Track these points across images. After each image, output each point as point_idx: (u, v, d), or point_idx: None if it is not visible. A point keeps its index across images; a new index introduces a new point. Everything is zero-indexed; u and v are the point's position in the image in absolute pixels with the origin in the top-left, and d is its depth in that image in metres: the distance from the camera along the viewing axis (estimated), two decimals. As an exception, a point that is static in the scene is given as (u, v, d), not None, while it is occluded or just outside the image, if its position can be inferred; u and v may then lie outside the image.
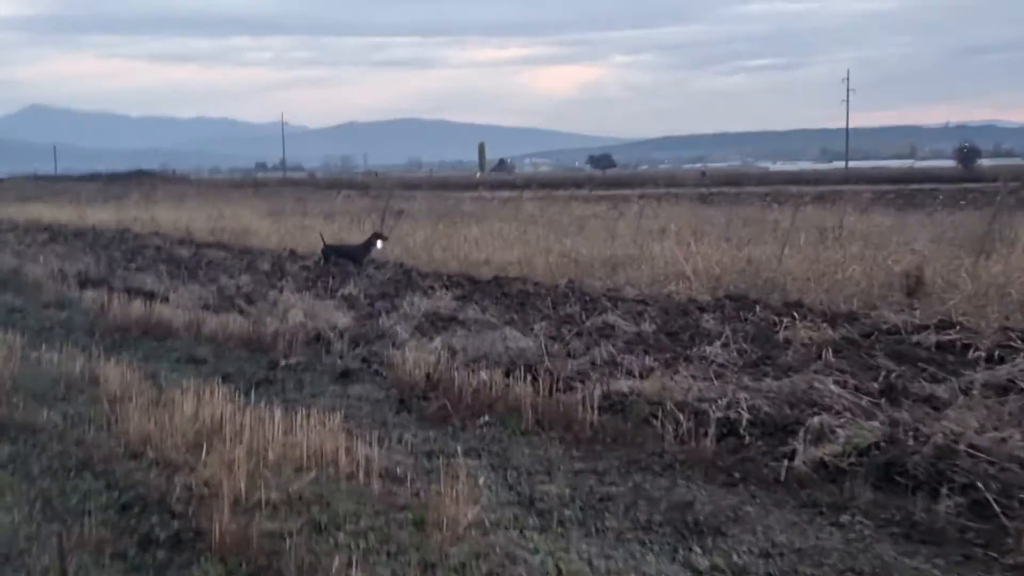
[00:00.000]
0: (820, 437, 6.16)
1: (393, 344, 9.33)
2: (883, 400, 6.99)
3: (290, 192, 52.43)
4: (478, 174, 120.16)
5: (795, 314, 11.16)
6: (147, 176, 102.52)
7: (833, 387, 7.11)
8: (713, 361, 8.35)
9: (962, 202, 26.85)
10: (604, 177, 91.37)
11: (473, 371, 7.87)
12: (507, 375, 7.73)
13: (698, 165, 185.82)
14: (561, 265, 17.28)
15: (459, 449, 6.54)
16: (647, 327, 10.51)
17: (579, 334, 9.75)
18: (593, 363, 8.31)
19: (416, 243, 20.73)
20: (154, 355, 10.01)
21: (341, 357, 9.17)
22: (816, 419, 6.34)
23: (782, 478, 5.89)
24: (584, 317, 11.11)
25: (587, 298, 13.21)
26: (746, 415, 6.57)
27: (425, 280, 15.78)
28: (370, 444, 6.21)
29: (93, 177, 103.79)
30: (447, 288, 14.59)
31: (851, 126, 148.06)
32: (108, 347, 10.40)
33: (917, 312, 11.02)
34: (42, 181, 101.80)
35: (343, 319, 10.56)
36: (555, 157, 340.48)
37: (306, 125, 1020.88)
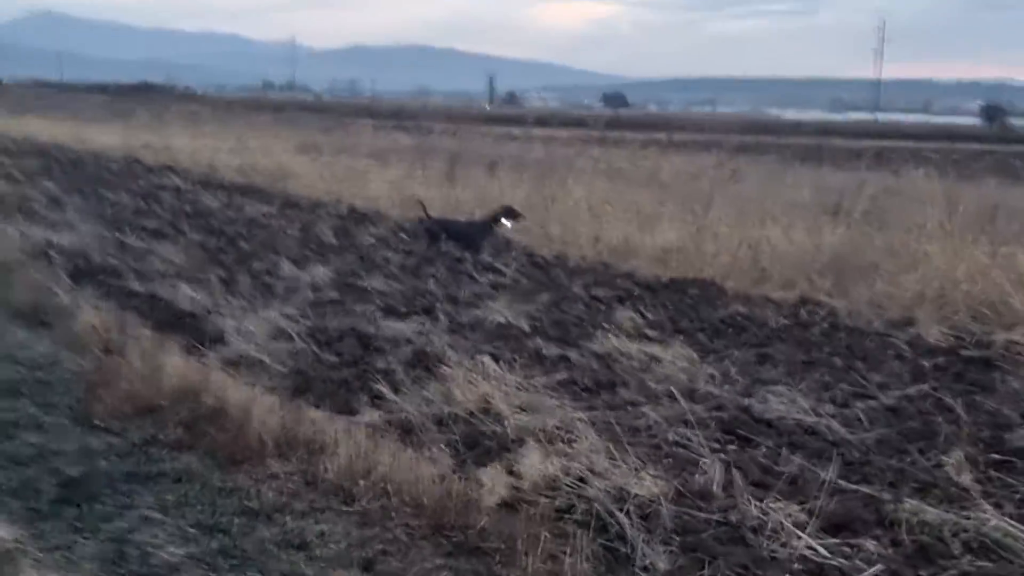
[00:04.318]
0: None
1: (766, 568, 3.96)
2: None
3: (315, 121, 47.03)
4: (487, 106, 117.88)
5: None
6: (155, 91, 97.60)
7: None
8: None
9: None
10: (626, 117, 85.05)
11: None
12: None
13: (707, 108, 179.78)
14: (745, 260, 12.42)
15: None
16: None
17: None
18: None
19: (519, 209, 15.72)
20: (221, 538, 4.26)
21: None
22: None
23: None
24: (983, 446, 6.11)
25: (869, 350, 8.36)
26: None
27: (573, 280, 11.00)
28: None
29: (99, 88, 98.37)
30: (620, 301, 9.86)
31: (862, 77, 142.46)
32: (118, 478, 4.84)
33: None
34: (45, 89, 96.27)
35: (643, 482, 4.51)
36: (563, 92, 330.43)
37: (311, 46, 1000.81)
